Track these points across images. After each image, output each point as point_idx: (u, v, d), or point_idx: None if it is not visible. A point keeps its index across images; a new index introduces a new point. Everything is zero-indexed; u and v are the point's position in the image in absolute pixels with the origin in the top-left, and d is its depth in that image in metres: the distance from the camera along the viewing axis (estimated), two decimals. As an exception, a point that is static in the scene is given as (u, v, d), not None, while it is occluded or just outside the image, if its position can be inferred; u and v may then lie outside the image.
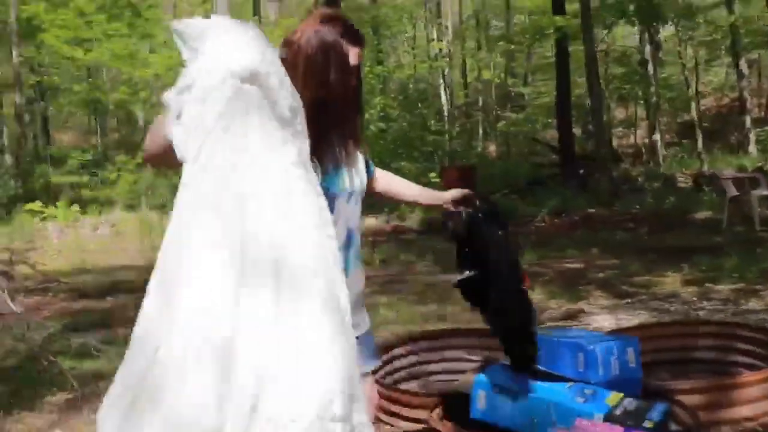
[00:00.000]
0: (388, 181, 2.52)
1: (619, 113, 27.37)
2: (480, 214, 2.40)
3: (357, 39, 2.17)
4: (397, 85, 26.93)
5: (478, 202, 2.45)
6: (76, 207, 15.81)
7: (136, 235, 13.94)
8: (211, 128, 1.77)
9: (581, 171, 18.45)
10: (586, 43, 14.22)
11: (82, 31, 20.73)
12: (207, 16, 1.93)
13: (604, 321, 6.16)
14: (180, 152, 1.79)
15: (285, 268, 1.74)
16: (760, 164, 18.62)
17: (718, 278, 7.35)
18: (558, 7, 18.51)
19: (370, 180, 2.38)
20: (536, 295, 7.14)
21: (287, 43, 2.07)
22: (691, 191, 14.77)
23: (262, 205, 1.77)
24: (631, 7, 16.79)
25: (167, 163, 1.92)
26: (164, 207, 15.91)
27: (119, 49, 21.57)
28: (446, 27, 27.19)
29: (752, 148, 20.98)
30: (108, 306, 8.24)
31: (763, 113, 25.29)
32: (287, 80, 1.87)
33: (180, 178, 1.81)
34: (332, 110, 2.11)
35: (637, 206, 13.14)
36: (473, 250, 2.42)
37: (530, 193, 15.71)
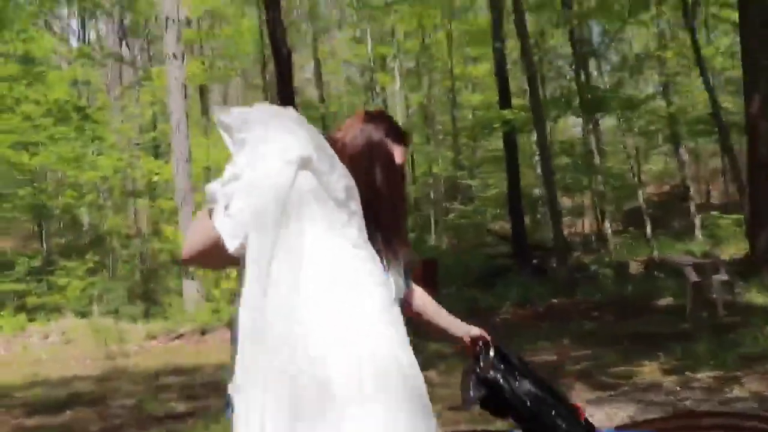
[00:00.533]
0: (425, 302, 2.41)
1: (565, 203, 27.95)
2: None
3: (402, 137, 2.11)
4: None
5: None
6: (22, 315, 15.27)
7: (88, 342, 13.45)
8: (268, 218, 1.71)
9: (534, 261, 18.62)
10: (538, 134, 14.52)
11: (28, 135, 20.49)
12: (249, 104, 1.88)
13: (594, 416, 6.02)
14: (230, 245, 1.72)
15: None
16: (707, 249, 19.06)
17: (696, 366, 7.31)
18: (504, 102, 19.05)
19: (407, 293, 2.26)
20: (516, 391, 7.01)
21: (331, 141, 1.98)
22: (648, 278, 14.92)
23: (330, 293, 1.72)
24: (577, 101, 17.34)
25: (212, 259, 1.85)
26: (117, 312, 15.50)
27: (65, 152, 21.41)
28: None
29: (698, 233, 21.50)
30: (66, 420, 7.79)
31: (704, 199, 26.04)
32: (337, 161, 1.84)
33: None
34: (378, 211, 2.00)
35: (598, 294, 13.20)
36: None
37: (487, 285, 15.70)
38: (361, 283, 1.78)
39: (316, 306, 1.69)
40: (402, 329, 1.80)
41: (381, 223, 2.01)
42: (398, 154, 2.09)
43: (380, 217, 2.00)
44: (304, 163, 1.78)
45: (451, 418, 6.36)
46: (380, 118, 2.12)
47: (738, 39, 18.79)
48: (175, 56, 14.55)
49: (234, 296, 1.96)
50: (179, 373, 10.17)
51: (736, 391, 6.27)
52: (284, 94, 15.34)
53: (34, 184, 24.53)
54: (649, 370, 7.46)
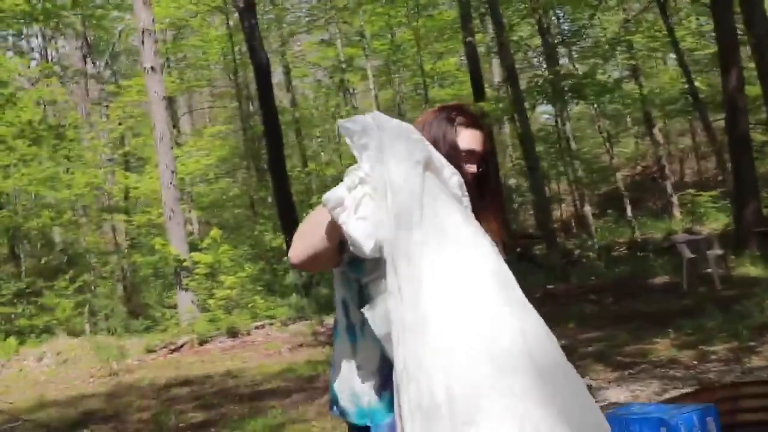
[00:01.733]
0: None
1: (541, 190, 28.24)
2: None
3: (471, 122, 2.09)
4: (330, 181, 27.11)
5: None
6: (12, 339, 15.04)
7: (86, 360, 13.31)
8: (412, 217, 1.79)
9: (518, 249, 18.79)
10: (521, 124, 14.66)
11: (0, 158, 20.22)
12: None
13: (620, 395, 6.13)
14: (367, 246, 1.79)
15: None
16: (688, 226, 19.38)
17: (708, 340, 7.46)
18: (479, 95, 19.19)
19: None
20: (537, 377, 7.09)
21: None
22: (635, 258, 15.14)
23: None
24: (559, 88, 17.53)
25: (321, 262, 1.94)
26: (111, 329, 15.37)
27: (38, 172, 21.16)
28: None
29: (676, 211, 21.84)
30: (85, 439, 7.75)
31: (678, 178, 26.42)
32: (443, 158, 1.92)
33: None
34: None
35: (592, 277, 13.36)
36: None
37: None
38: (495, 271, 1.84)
39: (479, 298, 1.75)
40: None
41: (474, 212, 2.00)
42: (468, 139, 2.07)
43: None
44: (427, 164, 1.86)
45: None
46: (446, 110, 2.12)
47: (702, 18, 19.21)
48: (153, 69, 14.45)
49: (347, 298, 2.00)
50: (187, 384, 10.12)
51: (756, 361, 6.41)
52: (266, 98, 15.37)
53: (9, 207, 24.26)
54: (663, 347, 7.58)
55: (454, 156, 2.01)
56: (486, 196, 2.09)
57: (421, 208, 1.79)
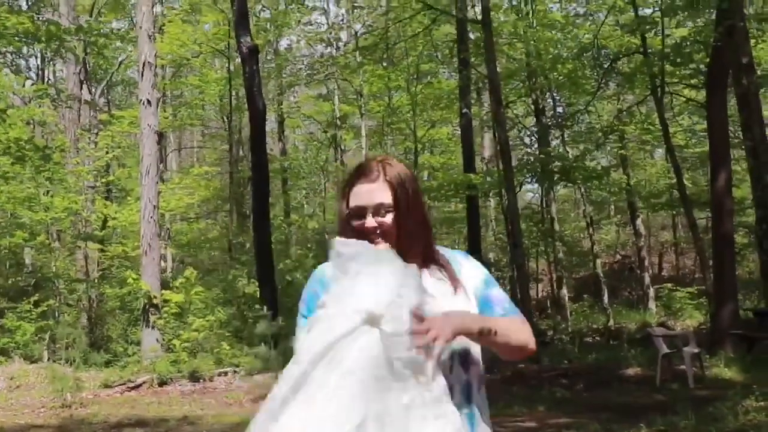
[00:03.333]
0: None
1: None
2: None
3: (359, 179, 2.09)
4: (310, 234, 27.00)
5: None
6: (-35, 359, 14.62)
7: (38, 389, 12.92)
8: (310, 355, 1.77)
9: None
10: (509, 200, 14.68)
11: (-21, 173, 19.97)
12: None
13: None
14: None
15: None
16: (663, 320, 19.38)
17: (680, 439, 7.33)
18: (469, 166, 19.31)
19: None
20: (503, 458, 6.92)
21: None
22: (609, 346, 15.05)
23: None
24: (548, 168, 17.69)
25: None
26: (69, 359, 14.96)
27: (18, 191, 20.91)
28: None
29: (651, 304, 21.87)
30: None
31: (656, 271, 26.55)
32: (407, 331, 1.78)
33: None
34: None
35: (565, 361, 13.22)
36: None
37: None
38: None
39: None
40: None
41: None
42: (355, 198, 2.07)
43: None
44: (371, 320, 1.78)
45: None
46: (344, 184, 2.15)
47: (697, 119, 19.54)
48: (149, 102, 14.39)
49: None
50: (141, 425, 9.83)
51: (727, 466, 6.28)
52: (258, 145, 15.34)
53: (-18, 224, 23.88)
54: (634, 442, 7.44)
55: (346, 230, 2.05)
56: (403, 239, 2.04)
57: (322, 352, 1.77)
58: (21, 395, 12.71)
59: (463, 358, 2.12)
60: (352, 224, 2.05)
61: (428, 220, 2.18)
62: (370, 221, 2.03)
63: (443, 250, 2.20)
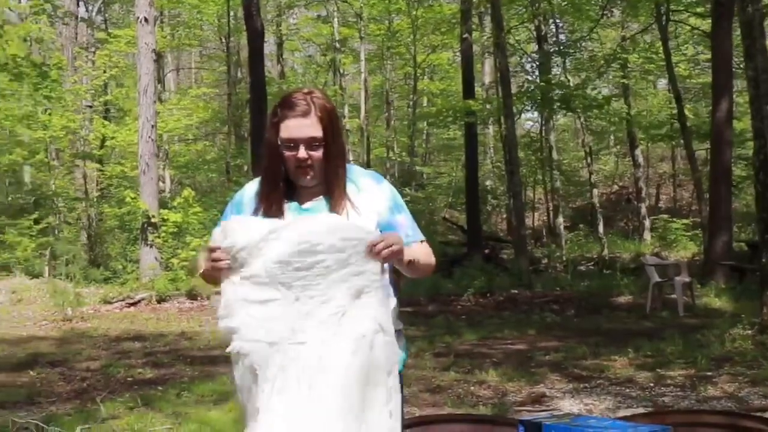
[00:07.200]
0: None
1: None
2: None
3: (292, 112, 2.22)
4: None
5: None
6: (-33, 272, 14.82)
7: (40, 303, 13.14)
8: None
9: (486, 251, 18.82)
10: (508, 128, 14.64)
11: (-25, 90, 19.82)
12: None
13: (573, 406, 6.13)
14: None
15: None
16: (657, 250, 19.55)
17: (666, 364, 7.49)
18: (468, 92, 19.15)
19: None
20: (492, 378, 7.09)
21: None
22: (601, 275, 15.21)
23: None
24: (548, 96, 17.56)
25: None
26: (70, 274, 15.13)
27: (16, 109, 20.78)
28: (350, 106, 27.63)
29: (647, 234, 22.00)
30: (31, 380, 7.59)
31: (652, 202, 26.63)
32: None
33: None
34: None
35: (557, 288, 13.41)
36: None
37: (445, 272, 15.78)
38: None
39: None
40: None
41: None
42: (288, 130, 2.22)
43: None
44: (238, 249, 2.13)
45: (429, 400, 6.41)
46: (273, 111, 2.29)
47: (702, 49, 19.32)
48: (146, 20, 14.21)
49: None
50: (140, 339, 10.01)
51: (711, 391, 6.43)
52: (256, 67, 15.18)
53: (-20, 141, 23.81)
54: (621, 365, 7.60)
55: (274, 157, 2.25)
56: (330, 170, 2.26)
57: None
58: (23, 308, 12.93)
59: None
60: (282, 153, 2.23)
61: (345, 151, 2.40)
62: (302, 153, 2.21)
63: (357, 172, 2.37)
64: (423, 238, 2.37)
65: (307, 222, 2.14)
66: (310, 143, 2.21)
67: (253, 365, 2.05)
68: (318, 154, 2.22)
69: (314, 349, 2.04)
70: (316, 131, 2.21)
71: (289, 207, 2.28)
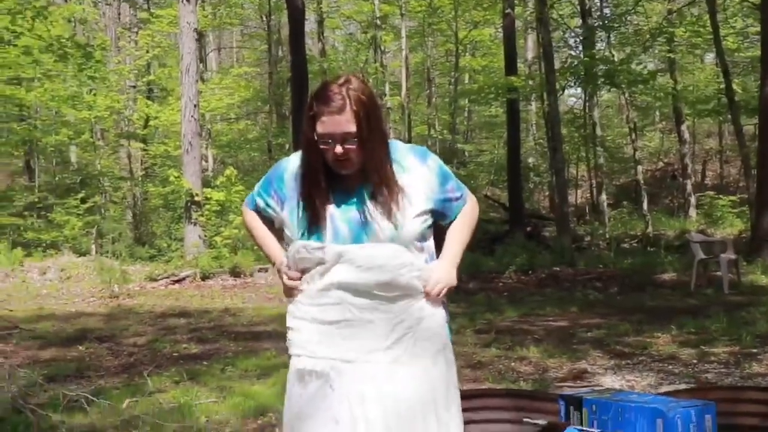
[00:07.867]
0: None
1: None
2: None
3: (327, 108, 2.24)
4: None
5: None
6: (18, 250, 15.15)
7: (87, 280, 13.43)
8: None
9: (528, 228, 18.73)
10: (550, 104, 14.50)
11: (24, 70, 20.14)
12: None
13: (615, 382, 6.09)
14: None
15: None
16: (702, 227, 19.25)
17: (710, 341, 7.39)
18: (511, 69, 18.96)
19: None
20: (533, 354, 7.07)
21: None
22: (645, 252, 15.04)
23: None
24: (592, 72, 17.31)
25: None
26: (117, 252, 15.43)
27: (61, 89, 21.11)
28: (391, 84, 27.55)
29: (692, 211, 21.66)
30: (79, 355, 7.77)
31: (699, 179, 26.19)
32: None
33: None
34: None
35: (600, 265, 13.29)
36: None
37: (486, 250, 15.76)
38: None
39: None
40: None
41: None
42: (324, 126, 2.23)
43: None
44: None
45: (470, 376, 6.42)
46: (308, 105, 2.30)
47: (751, 21, 18.84)
48: (188, 0, 14.30)
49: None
50: (185, 316, 10.18)
51: (756, 368, 6.35)
52: (297, 45, 15.21)
53: (29, 120, 24.27)
54: (664, 342, 7.52)
55: (312, 150, 2.28)
56: (367, 162, 2.29)
57: None
58: (71, 285, 13.23)
59: None
60: (319, 146, 2.26)
61: (386, 135, 2.38)
62: (338, 149, 2.23)
63: (401, 151, 2.39)
64: (467, 193, 2.49)
65: (371, 248, 2.25)
66: (346, 138, 2.23)
67: (329, 382, 2.22)
68: (353, 147, 2.25)
69: (387, 367, 2.22)
70: (352, 126, 2.23)
71: (332, 204, 2.33)
